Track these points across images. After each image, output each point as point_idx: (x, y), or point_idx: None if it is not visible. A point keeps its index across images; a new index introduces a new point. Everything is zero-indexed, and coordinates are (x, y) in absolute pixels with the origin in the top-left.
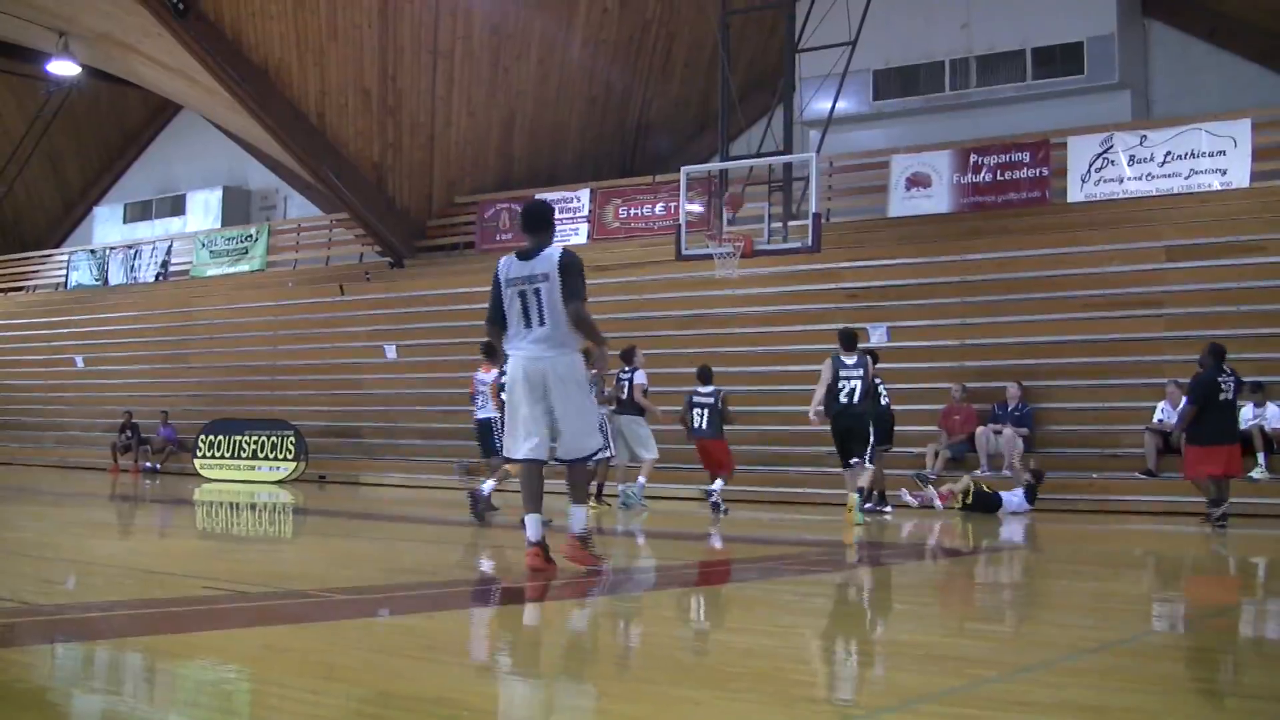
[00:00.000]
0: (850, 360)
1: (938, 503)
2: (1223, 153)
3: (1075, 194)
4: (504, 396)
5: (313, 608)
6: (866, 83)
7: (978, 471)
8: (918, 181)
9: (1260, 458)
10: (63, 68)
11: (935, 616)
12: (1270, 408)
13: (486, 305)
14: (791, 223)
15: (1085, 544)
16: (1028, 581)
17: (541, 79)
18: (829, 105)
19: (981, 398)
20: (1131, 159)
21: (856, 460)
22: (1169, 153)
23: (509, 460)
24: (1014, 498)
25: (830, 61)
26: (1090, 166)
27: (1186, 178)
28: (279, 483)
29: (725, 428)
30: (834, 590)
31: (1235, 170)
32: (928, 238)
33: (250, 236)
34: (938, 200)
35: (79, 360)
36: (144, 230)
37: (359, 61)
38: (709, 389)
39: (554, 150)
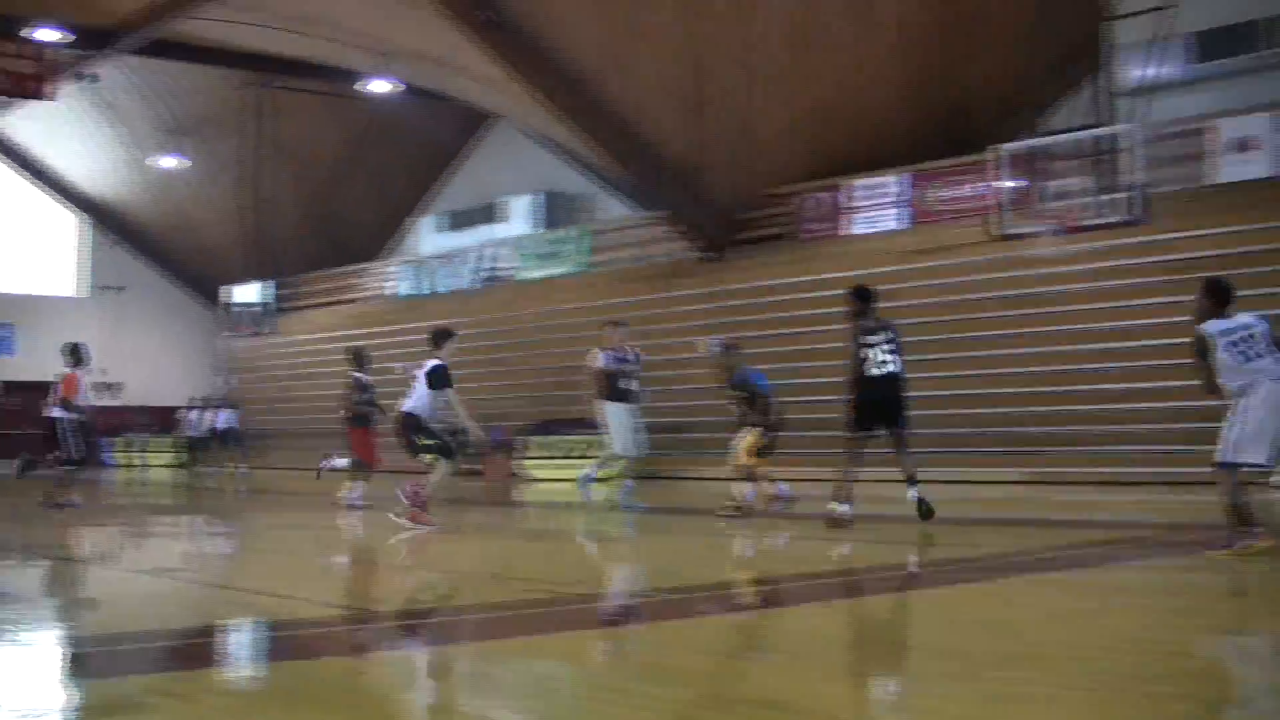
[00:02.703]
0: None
1: None
2: None
3: None
4: None
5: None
6: (1187, 46)
7: None
8: (1245, 145)
9: None
10: (379, 86)
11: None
12: None
13: (803, 295)
14: (1113, 195)
15: None
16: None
17: (852, 64)
18: (1146, 73)
19: None
20: None
21: None
22: None
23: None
24: None
25: (1149, 26)
26: None
27: None
28: (604, 480)
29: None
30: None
31: None
32: (1257, 204)
33: (570, 239)
34: (1267, 164)
35: (407, 368)
36: (463, 239)
37: (667, 60)
38: None
39: (866, 135)
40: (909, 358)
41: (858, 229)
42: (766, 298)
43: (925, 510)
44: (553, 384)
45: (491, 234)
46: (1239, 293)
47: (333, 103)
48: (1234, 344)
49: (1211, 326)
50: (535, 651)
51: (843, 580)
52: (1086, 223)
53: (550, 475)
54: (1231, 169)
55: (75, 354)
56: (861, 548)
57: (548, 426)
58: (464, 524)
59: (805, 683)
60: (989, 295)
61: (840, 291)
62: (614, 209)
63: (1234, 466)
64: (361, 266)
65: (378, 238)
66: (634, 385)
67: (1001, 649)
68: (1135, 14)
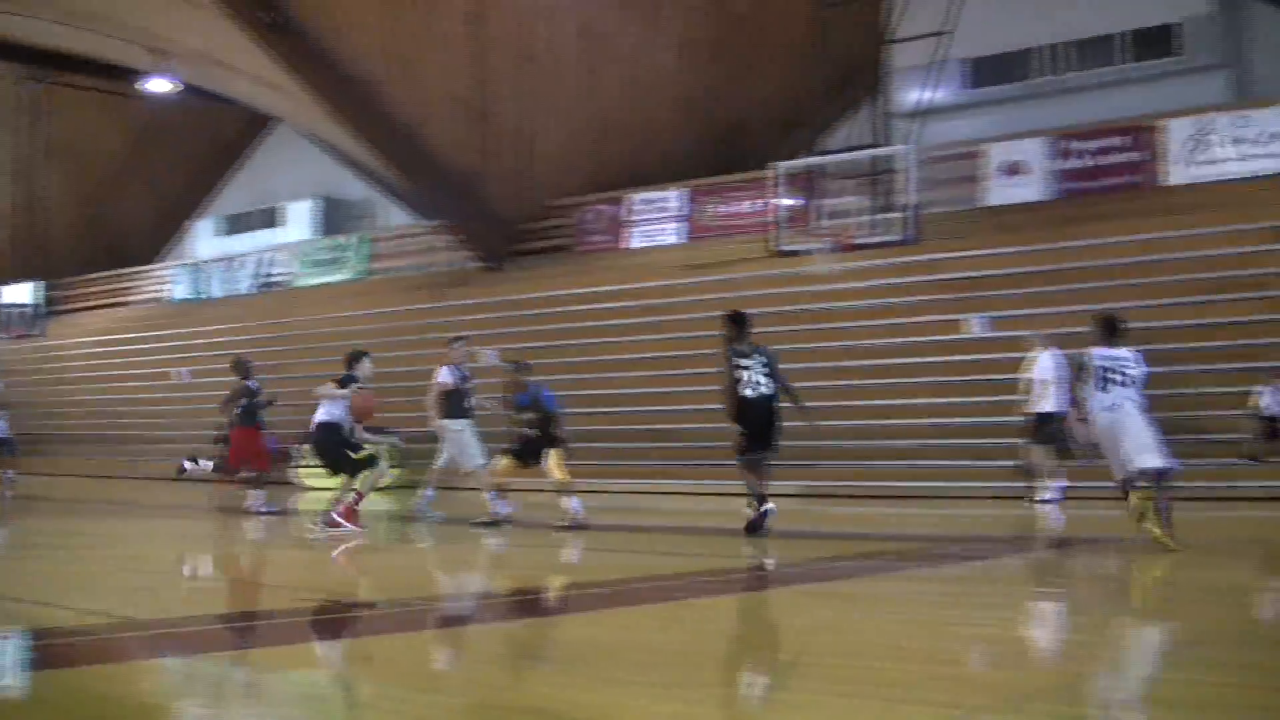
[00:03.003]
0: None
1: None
2: None
3: (1175, 177)
4: None
5: (402, 617)
6: (960, 72)
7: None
8: (1014, 170)
9: None
10: (158, 85)
11: (1044, 610)
12: None
13: (582, 307)
14: (887, 215)
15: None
16: (1134, 572)
17: (633, 79)
18: (922, 96)
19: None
20: (1231, 141)
21: None
22: (1269, 133)
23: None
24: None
25: (924, 52)
26: (1189, 149)
27: None
28: (382, 489)
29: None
30: (951, 584)
31: None
32: (1025, 226)
33: (348, 246)
34: (1034, 188)
35: (186, 373)
36: (241, 243)
37: (451, 69)
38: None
39: (647, 150)
40: (685, 371)
41: (637, 242)
42: (546, 309)
43: (754, 526)
44: None
45: (270, 239)
46: (1011, 312)
47: (111, 101)
48: (1105, 371)
49: (1095, 353)
50: (303, 660)
51: (616, 590)
52: (861, 241)
53: (324, 484)
54: (1002, 192)
55: None
56: (640, 559)
57: None
58: (239, 532)
59: (572, 690)
60: (766, 311)
61: (619, 304)
62: (394, 217)
63: (1134, 479)
64: (136, 269)
65: (155, 240)
66: (473, 400)
67: (764, 656)
68: (912, 39)
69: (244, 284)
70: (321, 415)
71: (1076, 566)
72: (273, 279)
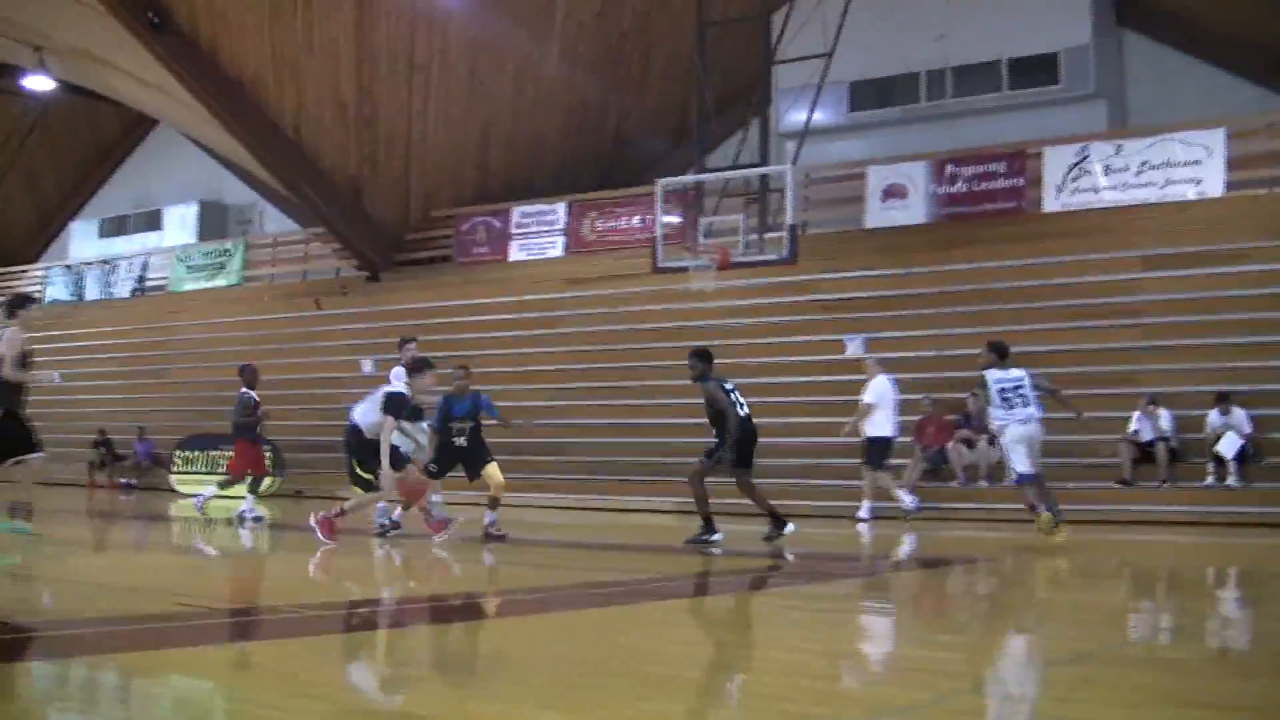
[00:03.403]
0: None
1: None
2: (1198, 162)
3: (1051, 204)
4: None
5: (284, 624)
6: (843, 94)
7: (954, 483)
8: (894, 192)
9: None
10: (38, 83)
11: (906, 628)
12: (1237, 414)
13: (463, 319)
14: (768, 234)
15: (1059, 554)
16: (1001, 593)
17: (518, 92)
18: (805, 117)
19: (960, 409)
20: (1107, 169)
21: None
22: (1144, 162)
23: None
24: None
25: (807, 73)
26: (1066, 176)
27: (1162, 187)
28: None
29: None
30: (811, 601)
31: (1210, 179)
32: (904, 248)
33: (227, 251)
34: (914, 211)
35: (57, 376)
36: (120, 245)
37: (335, 75)
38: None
39: (531, 163)
40: (566, 386)
41: (520, 255)
42: (426, 320)
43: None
44: (208, 398)
45: (149, 242)
46: (889, 333)
47: None
48: (1002, 392)
49: (991, 375)
50: (171, 665)
51: (477, 601)
52: (741, 259)
53: (196, 490)
54: (880, 214)
55: None
56: (538, 571)
57: (197, 440)
58: (108, 537)
59: (455, 700)
60: (647, 326)
61: (500, 317)
62: (276, 223)
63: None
64: (9, 269)
65: (33, 241)
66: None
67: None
68: (795, 60)
69: (122, 287)
70: (362, 418)
71: (949, 585)
72: (150, 283)
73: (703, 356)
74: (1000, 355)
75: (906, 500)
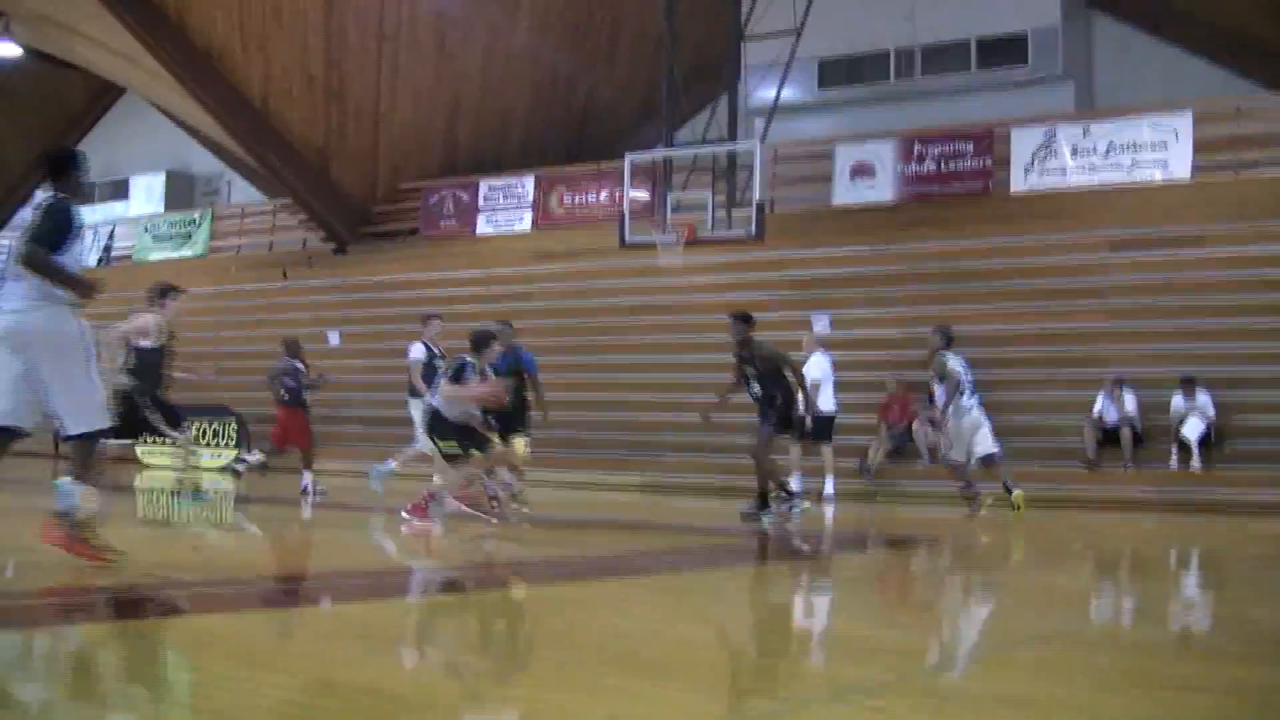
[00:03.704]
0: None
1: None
2: (1164, 145)
3: (1019, 184)
4: None
5: (249, 596)
6: (811, 72)
7: (919, 463)
8: (862, 171)
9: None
10: (3, 49)
11: (870, 607)
12: (1202, 398)
13: (429, 292)
14: (736, 211)
15: (1021, 535)
16: (962, 573)
17: (486, 64)
18: (774, 94)
19: (925, 389)
20: (1074, 150)
21: None
22: (1111, 144)
23: None
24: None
25: (776, 50)
26: (1034, 157)
27: (1129, 170)
28: (221, 470)
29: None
30: (770, 580)
31: (1177, 162)
32: (871, 227)
33: (193, 221)
34: (881, 189)
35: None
36: (86, 214)
37: (303, 46)
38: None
39: (499, 136)
40: (538, 360)
41: (487, 228)
42: (391, 292)
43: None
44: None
45: (115, 211)
46: (855, 310)
47: None
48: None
49: (953, 359)
50: (141, 636)
51: (450, 577)
52: (708, 236)
53: (162, 461)
54: (848, 192)
55: None
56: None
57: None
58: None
59: (403, 671)
60: (614, 301)
61: (467, 290)
62: (243, 193)
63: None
64: None
65: None
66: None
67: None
68: (763, 37)
69: (88, 256)
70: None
71: (913, 565)
72: (117, 253)
73: (747, 320)
74: (949, 340)
75: (794, 485)
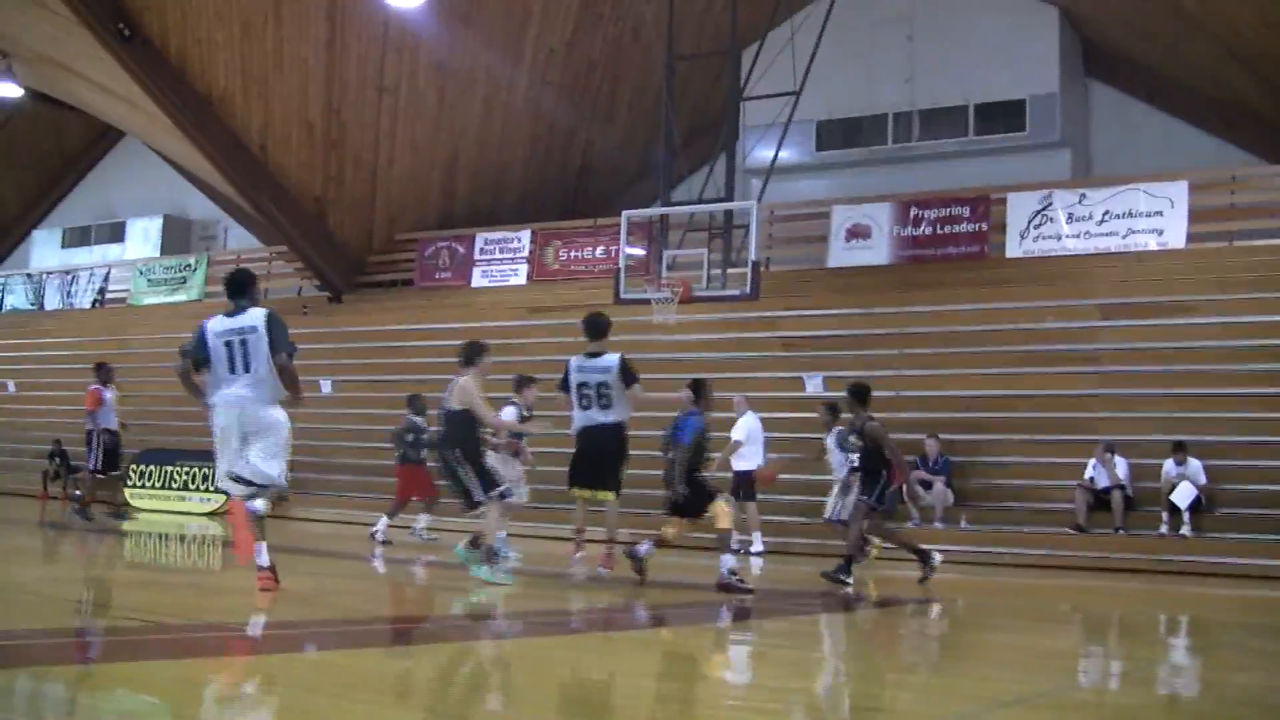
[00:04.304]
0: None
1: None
2: (1160, 213)
3: (1014, 250)
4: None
5: (233, 642)
6: (809, 133)
7: (909, 524)
8: (858, 232)
9: (1185, 517)
10: (4, 89)
11: (858, 668)
12: (1193, 464)
13: (422, 343)
14: (731, 270)
15: (1011, 598)
16: (951, 634)
17: (486, 117)
18: (771, 154)
19: (917, 450)
20: (1070, 217)
21: None
22: (1107, 211)
23: None
24: None
25: (774, 111)
26: (1029, 223)
27: (1124, 237)
28: (209, 515)
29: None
30: (752, 639)
31: (1172, 231)
32: (866, 289)
33: (189, 266)
34: (877, 252)
35: (10, 385)
36: (82, 256)
37: (303, 94)
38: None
39: (496, 189)
40: (532, 414)
41: (482, 281)
42: (386, 342)
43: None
44: (164, 412)
45: (111, 254)
46: (843, 372)
47: None
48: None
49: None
50: (119, 679)
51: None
52: (703, 293)
53: (153, 505)
54: (843, 254)
55: None
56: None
57: (153, 455)
58: (60, 550)
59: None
60: None
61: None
62: (239, 240)
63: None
64: None
65: None
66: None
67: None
68: (764, 97)
69: (82, 298)
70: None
71: (901, 626)
72: (112, 295)
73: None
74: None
75: (758, 544)
